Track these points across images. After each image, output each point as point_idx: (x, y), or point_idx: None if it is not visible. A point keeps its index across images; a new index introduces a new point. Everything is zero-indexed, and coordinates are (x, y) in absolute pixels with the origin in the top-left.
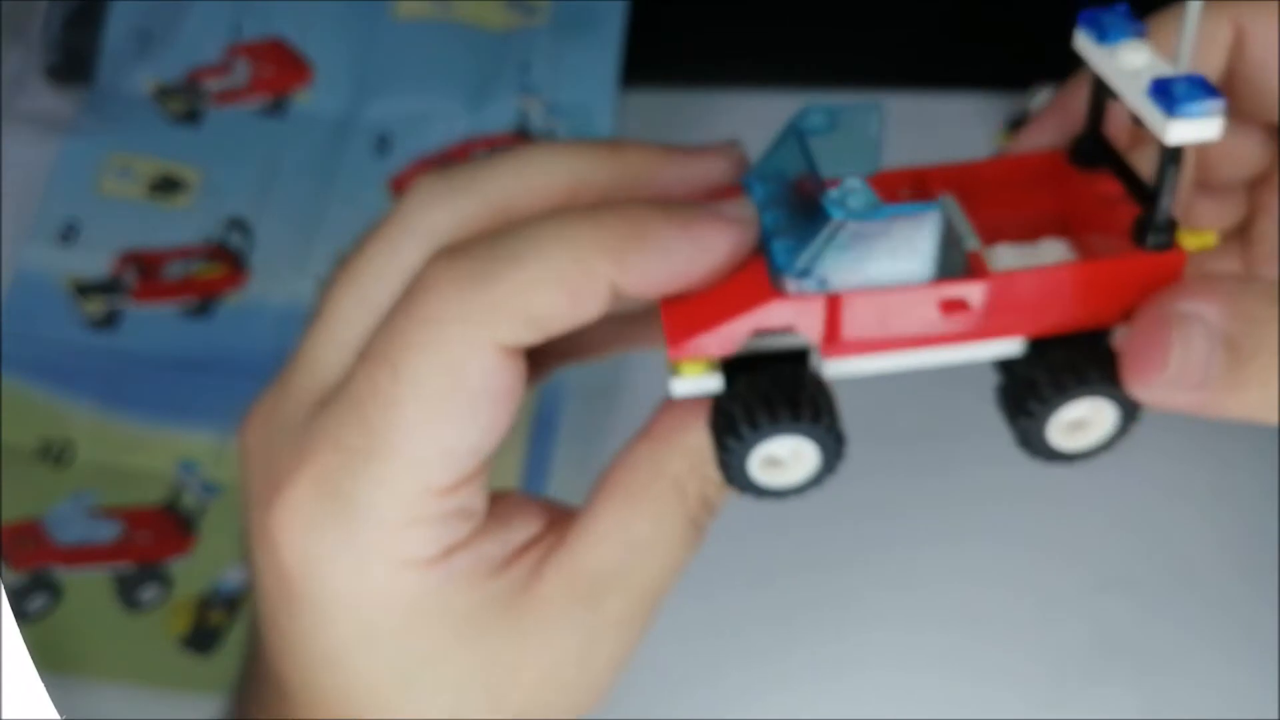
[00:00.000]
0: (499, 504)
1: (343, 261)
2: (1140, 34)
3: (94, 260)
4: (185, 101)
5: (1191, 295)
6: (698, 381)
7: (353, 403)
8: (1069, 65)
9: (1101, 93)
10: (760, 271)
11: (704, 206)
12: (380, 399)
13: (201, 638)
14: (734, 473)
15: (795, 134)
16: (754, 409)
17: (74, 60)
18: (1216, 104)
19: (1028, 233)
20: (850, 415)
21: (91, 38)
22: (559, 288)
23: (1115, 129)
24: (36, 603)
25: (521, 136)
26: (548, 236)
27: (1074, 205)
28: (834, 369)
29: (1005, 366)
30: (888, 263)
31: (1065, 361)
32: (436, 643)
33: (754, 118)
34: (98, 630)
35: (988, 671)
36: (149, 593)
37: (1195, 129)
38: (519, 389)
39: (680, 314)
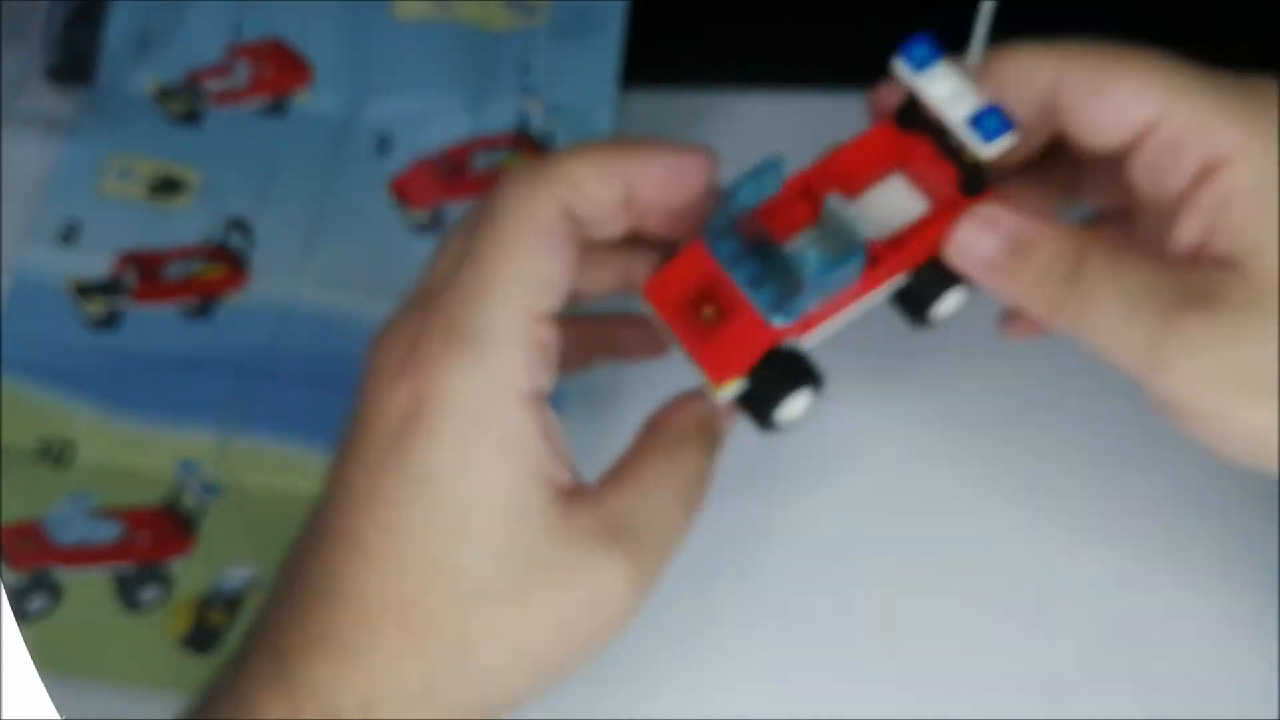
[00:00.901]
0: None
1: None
2: (940, 58)
3: (94, 261)
4: (185, 102)
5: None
6: (733, 389)
7: (460, 248)
8: None
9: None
10: (741, 302)
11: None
12: (482, 239)
13: (201, 638)
14: (767, 422)
15: (739, 202)
16: (782, 383)
17: (74, 60)
18: (1013, 132)
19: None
20: (852, 419)
21: (91, 38)
22: (596, 168)
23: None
24: (36, 603)
25: (522, 137)
26: (583, 147)
27: (906, 157)
28: (806, 342)
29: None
30: (835, 280)
31: (934, 274)
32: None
33: (754, 118)
34: (98, 630)
35: (987, 670)
36: (149, 593)
37: (1001, 147)
38: (575, 246)
39: (708, 354)
